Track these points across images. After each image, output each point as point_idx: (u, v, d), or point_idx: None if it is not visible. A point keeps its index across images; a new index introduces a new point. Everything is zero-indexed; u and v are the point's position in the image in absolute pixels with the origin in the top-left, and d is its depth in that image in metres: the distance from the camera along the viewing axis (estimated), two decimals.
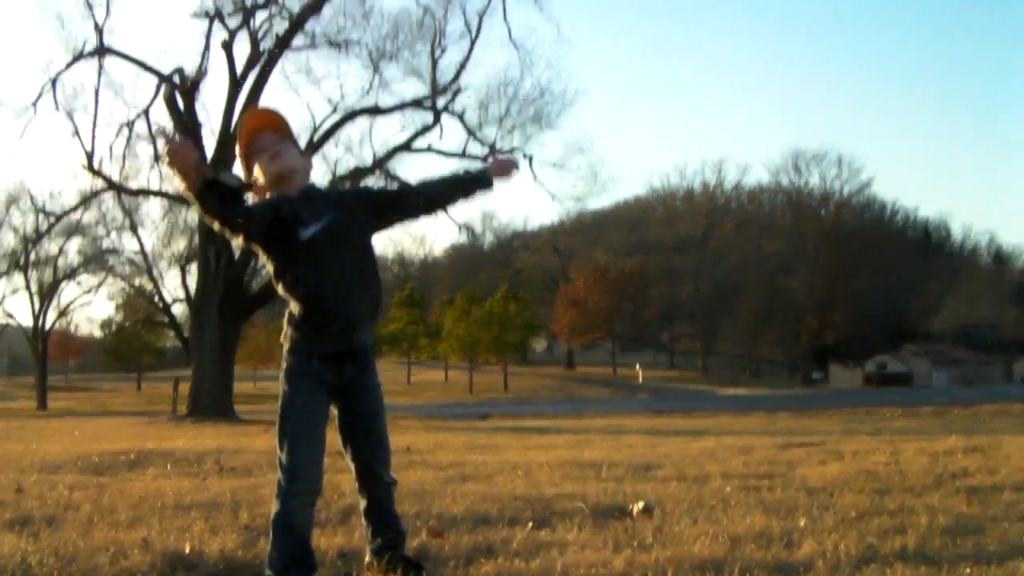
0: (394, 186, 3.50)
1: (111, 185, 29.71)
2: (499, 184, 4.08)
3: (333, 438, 3.77)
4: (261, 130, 3.78)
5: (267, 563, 3.57)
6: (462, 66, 29.18)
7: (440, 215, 4.19)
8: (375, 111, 29.12)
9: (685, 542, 4.35)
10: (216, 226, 3.48)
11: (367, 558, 3.92)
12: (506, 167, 4.10)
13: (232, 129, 26.61)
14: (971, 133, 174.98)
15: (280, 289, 3.71)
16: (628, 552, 4.13)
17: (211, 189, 3.33)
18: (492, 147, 29.76)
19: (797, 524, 4.77)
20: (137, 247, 45.31)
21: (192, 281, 37.81)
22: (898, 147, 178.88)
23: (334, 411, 3.78)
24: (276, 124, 3.83)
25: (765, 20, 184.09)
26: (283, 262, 3.67)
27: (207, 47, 27.30)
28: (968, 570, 3.80)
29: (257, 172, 3.73)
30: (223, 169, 25.97)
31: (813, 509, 5.26)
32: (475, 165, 3.48)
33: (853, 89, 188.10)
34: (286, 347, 3.71)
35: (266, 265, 3.76)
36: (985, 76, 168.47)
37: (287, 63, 29.05)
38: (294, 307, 3.67)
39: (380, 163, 29.09)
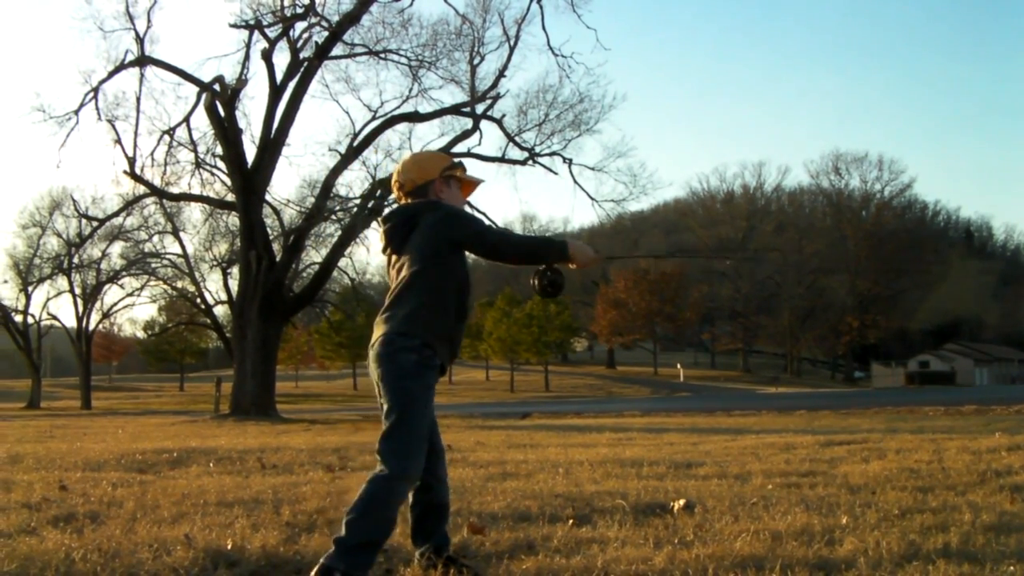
0: None
1: (153, 190, 29.86)
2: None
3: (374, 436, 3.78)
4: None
5: (345, 529, 3.56)
6: (501, 73, 29.20)
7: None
8: (414, 117, 29.19)
9: (726, 539, 4.34)
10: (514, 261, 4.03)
11: (415, 559, 3.97)
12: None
13: (270, 134, 26.85)
14: (1013, 134, 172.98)
15: (437, 285, 3.85)
16: (669, 549, 4.13)
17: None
18: (531, 151, 29.78)
19: (839, 521, 4.74)
20: (179, 251, 45.68)
21: (234, 284, 38.11)
22: (940, 148, 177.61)
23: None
24: None
25: (805, 23, 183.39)
26: (463, 268, 3.96)
27: (247, 56, 27.40)
28: (1012, 568, 3.77)
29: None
30: (262, 177, 26.29)
31: (855, 507, 5.23)
32: None
33: (894, 90, 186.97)
34: (417, 341, 3.75)
35: (444, 262, 3.87)
36: None
37: (327, 72, 29.26)
38: (440, 311, 3.84)
39: None
